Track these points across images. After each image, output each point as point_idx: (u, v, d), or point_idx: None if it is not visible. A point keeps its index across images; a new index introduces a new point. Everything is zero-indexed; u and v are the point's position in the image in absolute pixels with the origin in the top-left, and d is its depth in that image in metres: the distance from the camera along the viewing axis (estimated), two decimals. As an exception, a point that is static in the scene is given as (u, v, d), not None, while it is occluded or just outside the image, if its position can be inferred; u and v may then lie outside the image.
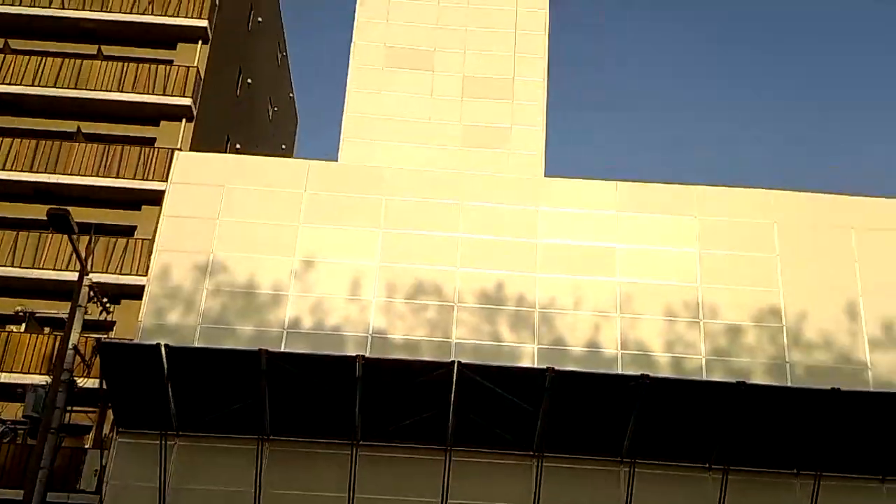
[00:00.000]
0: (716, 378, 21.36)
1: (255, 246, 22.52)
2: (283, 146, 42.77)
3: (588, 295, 22.39)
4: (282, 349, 20.64)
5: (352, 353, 20.07)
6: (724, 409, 19.47)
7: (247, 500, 19.47)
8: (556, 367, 19.38)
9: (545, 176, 25.68)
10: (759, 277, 22.91)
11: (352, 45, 28.42)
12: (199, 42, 29.38)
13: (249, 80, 34.96)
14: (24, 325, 24.69)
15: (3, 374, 23.45)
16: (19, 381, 21.86)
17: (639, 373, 19.78)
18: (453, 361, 19.31)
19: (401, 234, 23.12)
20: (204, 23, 29.11)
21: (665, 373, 21.30)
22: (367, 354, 20.37)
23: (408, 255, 22.80)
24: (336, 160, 25.95)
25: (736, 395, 19.29)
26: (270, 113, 39.72)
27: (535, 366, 21.00)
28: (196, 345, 20.78)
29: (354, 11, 29.06)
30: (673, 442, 20.22)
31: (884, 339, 22.50)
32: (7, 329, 24.77)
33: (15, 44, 28.97)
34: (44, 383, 19.53)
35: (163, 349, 18.71)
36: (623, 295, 22.39)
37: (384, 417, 19.92)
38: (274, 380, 19.13)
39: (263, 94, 38.19)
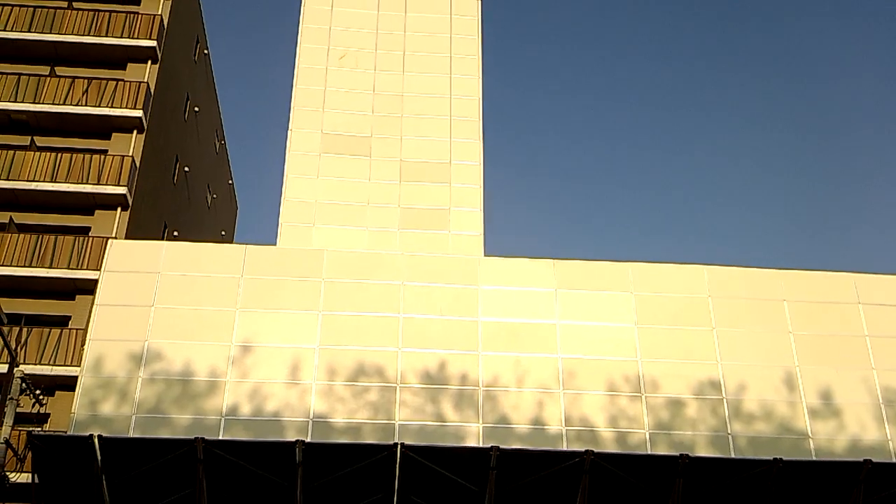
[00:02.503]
0: (660, 451, 21.39)
1: (190, 333, 22.15)
2: (223, 232, 42.55)
3: (531, 372, 22.40)
4: (219, 437, 20.15)
5: (292, 438, 19.68)
6: (669, 481, 19.45)
7: None
8: (501, 446, 19.21)
9: (485, 255, 25.95)
10: (697, 350, 23.21)
11: (289, 131, 28.75)
12: (135, 132, 29.33)
13: (187, 168, 34.91)
14: (-49, 421, 23.73)
15: (-72, 471, 22.39)
16: (-56, 479, 20.86)
17: (583, 449, 19.73)
18: (396, 444, 19.04)
19: (341, 316, 22.99)
20: (139, 113, 29.14)
21: (610, 448, 21.29)
22: (308, 439, 19.99)
23: (348, 337, 22.65)
24: (276, 245, 25.92)
25: (680, 467, 19.31)
26: (209, 200, 39.61)
27: (480, 445, 20.80)
28: (131, 435, 20.17)
29: (291, 100, 29.54)
30: (620, 517, 20.07)
31: (822, 409, 22.85)
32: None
33: (-55, 136, 28.62)
34: (-29, 480, 18.69)
35: (96, 441, 18.14)
36: (565, 371, 22.45)
37: (327, 503, 19.43)
38: (212, 469, 18.60)
39: (202, 182, 38.14)
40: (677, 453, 19.94)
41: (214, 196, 40.47)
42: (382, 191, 27.88)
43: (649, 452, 21.42)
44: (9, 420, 18.77)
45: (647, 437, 21.90)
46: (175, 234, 32.68)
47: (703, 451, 21.52)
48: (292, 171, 28.01)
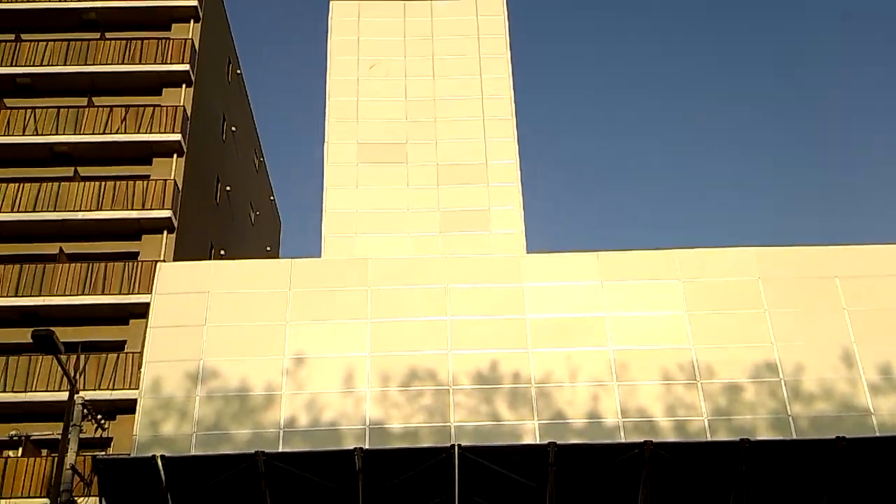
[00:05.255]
0: (720, 438, 21.16)
1: (244, 348, 22.43)
2: (269, 248, 42.99)
3: (583, 366, 22.32)
4: (279, 450, 20.33)
5: (350, 446, 19.79)
6: (731, 468, 19.25)
7: None
8: (558, 442, 19.17)
9: (527, 252, 25.93)
10: (751, 334, 22.94)
11: (325, 144, 28.98)
12: (175, 155, 29.81)
13: (228, 188, 35.36)
14: (20, 450, 24.32)
15: (3, 500, 22.99)
16: (19, 507, 21.43)
17: (642, 440, 19.59)
18: (453, 445, 19.08)
19: (389, 322, 23.12)
20: (177, 136, 29.59)
21: (668, 437, 21.10)
22: (366, 446, 20.09)
23: (398, 342, 22.76)
24: (320, 257, 26.13)
25: (742, 452, 19.10)
26: (252, 217, 40.07)
27: (537, 442, 20.76)
28: (192, 453, 20.43)
29: (325, 113, 29.76)
30: (685, 506, 19.93)
31: (883, 384, 22.45)
32: (4, 455, 24.40)
33: (-9, 173, 29.27)
34: (43, 507, 19.12)
35: (159, 461, 18.42)
36: (618, 363, 22.34)
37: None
38: (274, 481, 18.79)
39: (244, 200, 38.60)
40: (738, 438, 19.75)
41: (257, 213, 40.93)
42: (421, 196, 27.94)
43: (709, 439, 21.21)
44: (73, 446, 19.07)
45: (706, 424, 21.69)
46: (222, 253, 33.10)
47: (764, 435, 21.26)
48: (331, 183, 28.17)
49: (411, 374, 22.26)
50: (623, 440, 20.98)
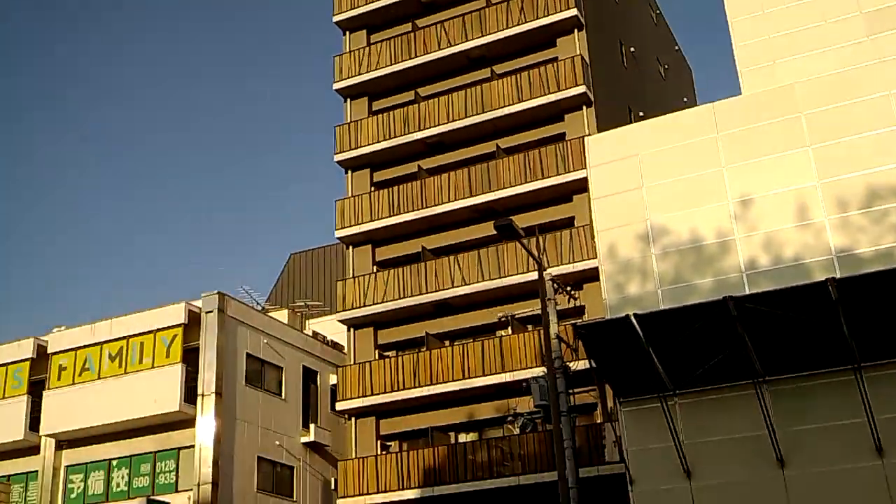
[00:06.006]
0: None
1: (686, 201, 22.68)
2: (685, 99, 42.30)
3: None
4: (745, 292, 20.47)
5: (819, 278, 19.32)
6: None
7: (763, 443, 19.57)
8: None
9: None
10: None
11: (720, -24, 27.51)
12: (575, 31, 30.38)
13: (633, 49, 35.29)
14: (510, 328, 27.37)
15: (506, 373, 26.23)
16: (521, 377, 24.26)
17: None
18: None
19: (833, 145, 21.84)
20: (574, 11, 30.04)
21: None
22: (838, 275, 19.45)
23: (848, 164, 21.45)
24: (740, 94, 25.27)
25: None
26: (662, 72, 39.65)
27: None
28: (662, 308, 21.38)
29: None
30: None
31: None
32: (498, 335, 27.66)
33: (423, 91, 32.31)
34: (542, 374, 21.40)
35: (633, 319, 19.55)
36: None
37: (877, 338, 18.88)
38: (746, 324, 19.06)
39: (650, 57, 38.28)
40: None
41: (665, 67, 40.39)
42: (836, 2, 25.48)
43: None
44: (553, 318, 21.02)
45: None
46: (640, 114, 33.37)
47: None
48: (734, 13, 26.76)
49: (871, 195, 20.92)
50: None
